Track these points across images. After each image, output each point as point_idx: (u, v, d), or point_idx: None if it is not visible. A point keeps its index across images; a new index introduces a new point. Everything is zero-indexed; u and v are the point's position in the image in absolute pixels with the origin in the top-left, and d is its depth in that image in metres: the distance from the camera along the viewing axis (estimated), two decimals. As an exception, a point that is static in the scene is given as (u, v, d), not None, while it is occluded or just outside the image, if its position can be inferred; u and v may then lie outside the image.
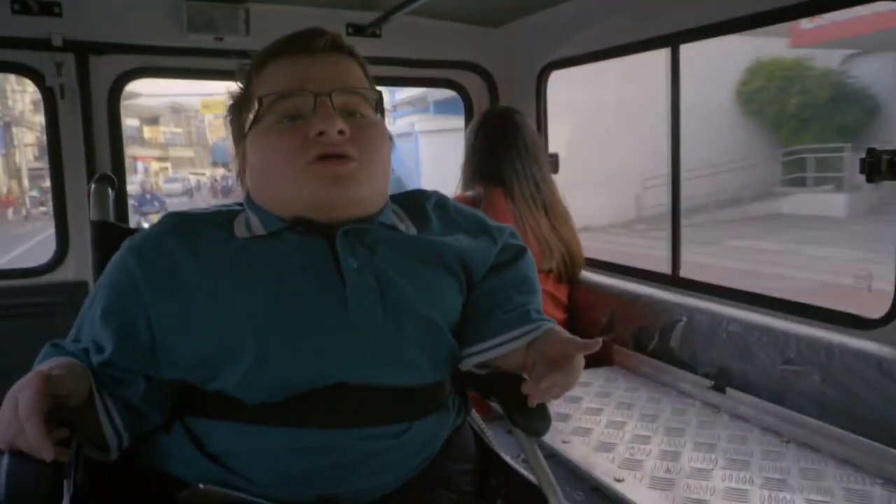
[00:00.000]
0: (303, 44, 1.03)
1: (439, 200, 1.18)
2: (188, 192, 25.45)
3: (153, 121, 28.98)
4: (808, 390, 1.61)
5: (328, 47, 1.04)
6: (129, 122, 23.59)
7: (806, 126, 14.49)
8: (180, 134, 29.68)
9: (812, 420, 1.58)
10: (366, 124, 1.03)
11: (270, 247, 1.00)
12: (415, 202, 1.16)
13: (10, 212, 22.50)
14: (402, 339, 0.98)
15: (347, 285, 0.97)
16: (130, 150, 24.82)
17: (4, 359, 2.32)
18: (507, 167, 2.19)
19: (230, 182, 25.15)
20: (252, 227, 1.03)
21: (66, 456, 0.80)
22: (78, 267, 2.39)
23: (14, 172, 24.94)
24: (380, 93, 1.08)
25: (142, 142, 27.60)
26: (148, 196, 14.70)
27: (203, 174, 26.60)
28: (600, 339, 0.97)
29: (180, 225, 1.02)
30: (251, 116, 1.03)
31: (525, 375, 1.03)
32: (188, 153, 30.12)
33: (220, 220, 1.05)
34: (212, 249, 0.98)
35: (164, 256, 0.98)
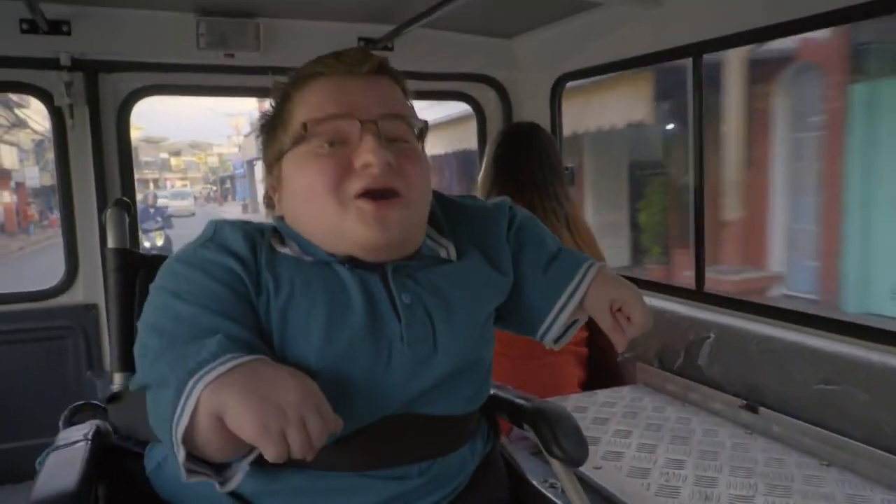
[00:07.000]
0: (348, 65, 0.95)
1: (449, 208, 1.11)
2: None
3: (177, 153, 43.50)
4: (849, 410, 1.55)
5: (374, 70, 0.97)
6: (162, 156, 40.64)
7: None
8: (195, 161, 44.19)
9: (855, 443, 1.52)
10: (410, 152, 0.96)
11: (326, 274, 0.93)
12: (439, 218, 1.09)
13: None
14: (449, 371, 0.96)
15: (402, 321, 0.92)
16: (162, 175, 40.15)
17: (16, 381, 2.31)
18: (528, 182, 2.14)
19: (212, 193, 38.52)
20: (294, 252, 0.96)
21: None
22: (88, 290, 2.35)
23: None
24: (425, 121, 1.01)
25: (170, 168, 42.79)
26: (152, 210, 12.39)
27: (209, 187, 40.52)
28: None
29: (250, 234, 0.94)
30: (288, 140, 0.95)
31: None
32: (201, 174, 44.19)
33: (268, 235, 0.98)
34: (283, 266, 0.92)
35: (254, 264, 0.91)
